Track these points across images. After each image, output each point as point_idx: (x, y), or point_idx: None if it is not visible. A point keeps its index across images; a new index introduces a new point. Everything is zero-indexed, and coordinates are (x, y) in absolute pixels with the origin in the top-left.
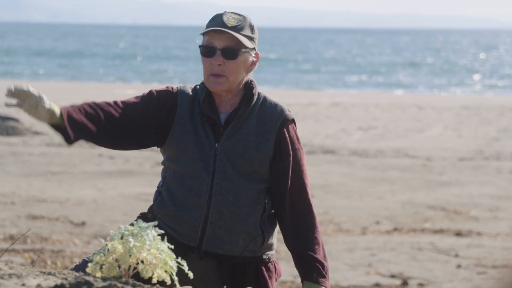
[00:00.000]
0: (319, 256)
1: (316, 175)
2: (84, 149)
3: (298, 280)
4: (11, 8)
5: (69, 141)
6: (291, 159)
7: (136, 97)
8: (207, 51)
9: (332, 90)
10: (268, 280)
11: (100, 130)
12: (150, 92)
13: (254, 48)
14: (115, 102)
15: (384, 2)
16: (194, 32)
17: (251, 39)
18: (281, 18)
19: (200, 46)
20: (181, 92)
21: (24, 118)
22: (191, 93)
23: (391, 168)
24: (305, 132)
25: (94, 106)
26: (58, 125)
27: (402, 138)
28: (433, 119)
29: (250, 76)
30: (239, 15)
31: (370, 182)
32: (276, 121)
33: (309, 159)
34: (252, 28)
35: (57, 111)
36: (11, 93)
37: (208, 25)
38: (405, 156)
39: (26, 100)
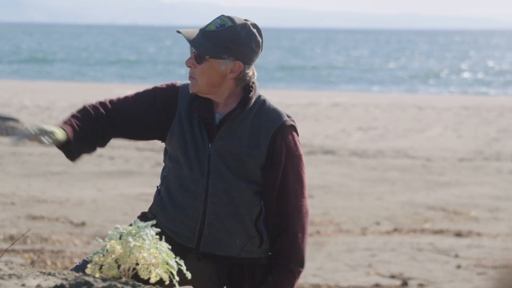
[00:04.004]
0: (288, 262)
1: (316, 176)
2: None
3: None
4: (11, 8)
5: (72, 159)
6: (281, 168)
7: (137, 93)
8: (190, 51)
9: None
10: None
11: (99, 139)
12: (153, 89)
13: (232, 57)
14: (112, 102)
15: (384, 2)
16: None
17: (225, 47)
18: (281, 18)
19: None
20: (182, 90)
21: (24, 118)
22: (191, 92)
23: (391, 168)
24: (305, 132)
25: (88, 114)
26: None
27: (402, 139)
28: (433, 119)
29: (253, 78)
30: (231, 20)
31: (370, 183)
32: (270, 128)
33: (309, 159)
34: (238, 37)
35: (61, 135)
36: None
37: None
38: (405, 156)
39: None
